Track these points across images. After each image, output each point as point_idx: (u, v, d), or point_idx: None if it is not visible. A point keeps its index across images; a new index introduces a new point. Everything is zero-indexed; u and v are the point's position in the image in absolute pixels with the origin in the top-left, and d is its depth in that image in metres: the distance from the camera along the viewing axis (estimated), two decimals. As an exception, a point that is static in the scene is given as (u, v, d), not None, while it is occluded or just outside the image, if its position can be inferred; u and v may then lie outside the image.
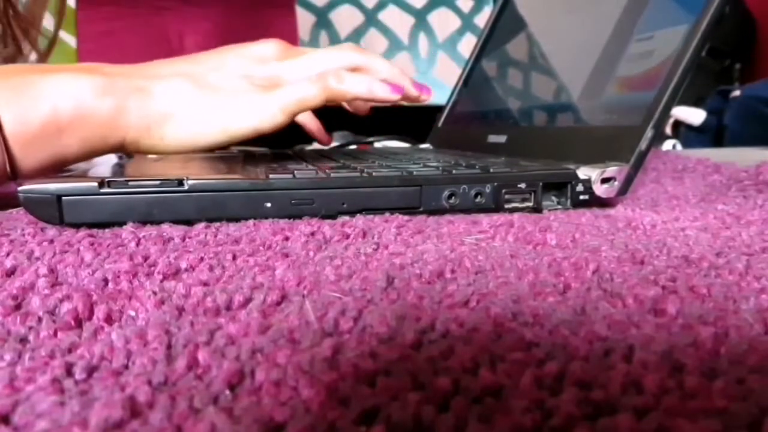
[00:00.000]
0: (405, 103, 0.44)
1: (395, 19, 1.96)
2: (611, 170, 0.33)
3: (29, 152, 0.31)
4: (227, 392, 0.13)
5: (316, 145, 0.73)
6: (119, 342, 0.16)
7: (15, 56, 0.50)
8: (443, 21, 1.97)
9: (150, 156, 0.56)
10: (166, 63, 0.38)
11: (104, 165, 0.44)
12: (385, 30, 1.94)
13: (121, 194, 0.29)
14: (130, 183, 0.29)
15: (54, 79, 0.32)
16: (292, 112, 0.37)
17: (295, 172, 0.32)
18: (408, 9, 1.96)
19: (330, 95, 0.38)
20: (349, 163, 0.39)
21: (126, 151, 0.36)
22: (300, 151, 0.64)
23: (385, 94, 0.40)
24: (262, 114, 0.36)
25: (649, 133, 0.33)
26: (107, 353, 0.15)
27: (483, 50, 0.65)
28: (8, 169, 0.31)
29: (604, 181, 0.33)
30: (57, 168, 0.33)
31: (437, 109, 0.71)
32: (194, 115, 0.35)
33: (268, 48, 0.41)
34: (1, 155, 0.30)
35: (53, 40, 0.56)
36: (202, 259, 0.23)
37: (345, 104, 0.53)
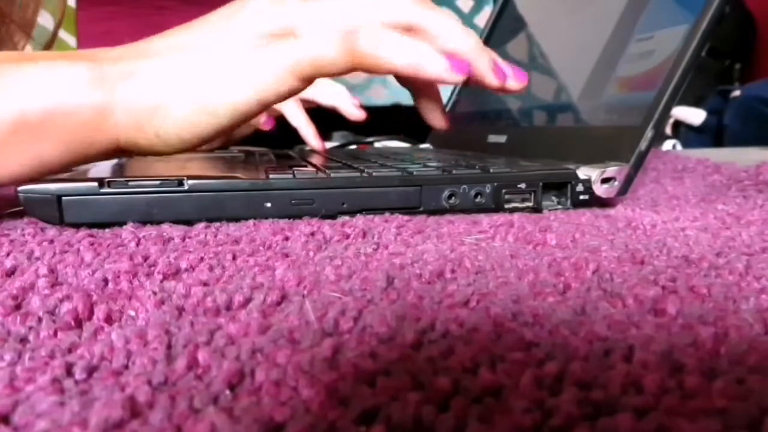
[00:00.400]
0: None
1: (395, 19, 1.96)
2: (611, 170, 0.33)
3: (2, 158, 0.26)
4: (227, 392, 0.13)
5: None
6: (119, 342, 0.16)
7: None
8: (443, 21, 1.97)
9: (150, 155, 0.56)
10: (168, 33, 0.30)
11: (104, 164, 0.44)
12: (385, 30, 1.94)
13: (121, 194, 0.29)
14: (130, 183, 0.29)
15: (25, 72, 0.26)
16: (306, 75, 0.28)
17: (295, 172, 0.32)
18: (408, 9, 1.96)
19: (358, 61, 0.28)
20: (349, 163, 0.39)
21: (126, 154, 0.30)
22: (300, 151, 0.64)
23: (440, 72, 0.28)
24: (266, 79, 0.28)
25: (649, 133, 0.33)
26: (107, 353, 0.15)
27: (483, 50, 0.65)
28: None
29: (604, 181, 0.33)
30: (41, 176, 0.28)
31: (437, 109, 0.70)
32: (189, 100, 0.28)
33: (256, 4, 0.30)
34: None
35: (52, 38, 0.54)
36: (202, 259, 0.23)
37: (340, 107, 0.52)
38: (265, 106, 0.29)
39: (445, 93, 0.69)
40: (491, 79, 0.31)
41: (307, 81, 0.29)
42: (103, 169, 0.37)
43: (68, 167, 0.29)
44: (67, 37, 1.55)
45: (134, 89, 0.27)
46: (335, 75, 0.29)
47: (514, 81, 0.32)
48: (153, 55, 0.28)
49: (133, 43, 0.30)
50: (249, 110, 0.29)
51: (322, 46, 0.28)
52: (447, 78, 0.29)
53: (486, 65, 0.31)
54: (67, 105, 0.27)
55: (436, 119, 0.36)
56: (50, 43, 0.54)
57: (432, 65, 0.28)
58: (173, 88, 0.28)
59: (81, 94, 0.27)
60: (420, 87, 0.34)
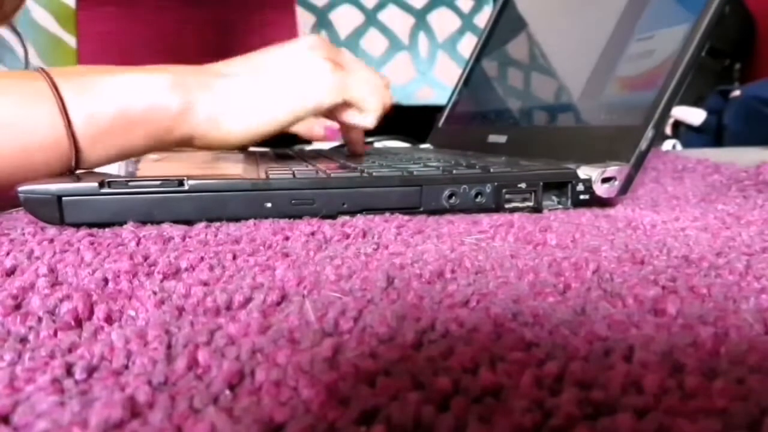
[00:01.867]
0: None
1: (395, 19, 1.96)
2: (611, 170, 0.33)
3: (97, 148, 0.32)
4: (227, 392, 0.13)
5: (316, 146, 0.73)
6: (119, 342, 0.16)
7: None
8: (443, 21, 1.96)
9: (150, 156, 0.56)
10: (229, 62, 0.38)
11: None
12: (385, 30, 1.94)
13: (122, 194, 0.29)
14: (131, 183, 0.29)
15: (124, 78, 0.33)
16: (350, 100, 0.39)
17: (296, 172, 0.32)
18: (408, 9, 1.96)
19: (384, 105, 0.41)
20: (350, 163, 0.39)
21: (193, 145, 0.36)
22: (300, 151, 0.64)
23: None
24: (326, 91, 0.37)
25: (649, 133, 0.33)
26: (107, 353, 0.15)
27: (483, 50, 0.65)
28: (74, 164, 0.32)
29: (605, 180, 0.33)
30: (120, 160, 0.35)
31: (437, 109, 0.71)
32: (259, 101, 0.36)
33: (313, 40, 0.41)
34: (69, 149, 0.31)
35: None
36: (202, 259, 0.23)
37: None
38: (316, 112, 0.38)
39: (446, 93, 0.69)
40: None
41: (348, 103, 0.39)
42: (102, 169, 0.37)
43: (145, 154, 0.36)
44: (67, 37, 1.55)
45: (215, 94, 0.35)
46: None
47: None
48: (226, 75, 0.36)
49: (200, 66, 0.37)
50: (305, 115, 0.37)
51: (371, 90, 0.40)
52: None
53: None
54: (160, 104, 0.33)
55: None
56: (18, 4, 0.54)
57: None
58: (249, 94, 0.36)
59: (168, 96, 0.33)
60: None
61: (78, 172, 0.33)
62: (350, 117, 0.41)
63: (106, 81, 0.32)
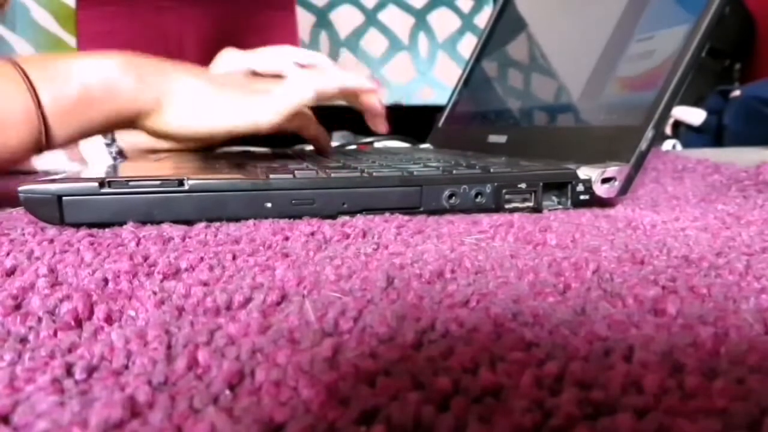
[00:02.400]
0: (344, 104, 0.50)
1: (395, 19, 1.96)
2: (612, 170, 0.33)
3: (62, 125, 0.35)
4: (227, 392, 0.13)
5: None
6: (119, 342, 0.16)
7: None
8: (443, 21, 1.96)
9: (151, 156, 0.56)
10: (183, 63, 0.41)
11: (104, 164, 0.44)
12: (385, 30, 1.94)
13: (122, 194, 0.29)
14: (131, 183, 0.29)
15: (83, 61, 0.36)
16: (288, 112, 0.40)
17: (296, 172, 0.32)
18: (408, 9, 1.96)
19: (321, 90, 0.42)
20: (350, 163, 0.39)
21: (135, 127, 0.39)
22: (300, 151, 0.64)
23: (361, 83, 0.46)
24: (263, 112, 0.40)
25: (649, 133, 0.33)
26: (107, 353, 0.15)
27: (483, 50, 0.65)
28: (44, 141, 0.35)
29: (605, 181, 0.33)
30: (84, 137, 0.38)
31: (437, 109, 0.71)
32: (202, 103, 0.38)
33: (266, 56, 0.48)
34: (39, 127, 0.34)
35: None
36: (202, 259, 0.23)
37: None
38: (255, 133, 0.40)
39: (446, 93, 0.69)
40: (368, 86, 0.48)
41: (288, 117, 0.40)
42: (102, 169, 0.37)
43: (101, 133, 0.39)
44: (67, 37, 1.55)
45: (166, 78, 0.38)
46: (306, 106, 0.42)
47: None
48: (181, 69, 0.39)
49: (162, 59, 0.40)
50: (243, 133, 0.40)
51: (297, 92, 0.41)
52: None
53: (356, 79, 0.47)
54: (116, 83, 0.36)
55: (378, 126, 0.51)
56: None
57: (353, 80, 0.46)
58: (194, 91, 0.38)
59: (124, 78, 0.36)
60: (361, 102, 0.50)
61: (76, 172, 0.34)
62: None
63: (68, 65, 0.36)
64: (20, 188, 0.28)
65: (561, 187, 0.33)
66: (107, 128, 0.38)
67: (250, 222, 0.29)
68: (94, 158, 0.61)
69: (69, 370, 0.14)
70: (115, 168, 0.39)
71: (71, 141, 0.37)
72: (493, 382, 0.13)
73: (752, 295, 0.18)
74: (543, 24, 0.55)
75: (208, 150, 0.62)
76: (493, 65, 0.62)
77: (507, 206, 0.33)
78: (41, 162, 0.57)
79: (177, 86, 0.38)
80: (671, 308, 0.17)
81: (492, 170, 0.33)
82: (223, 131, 0.39)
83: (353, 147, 0.75)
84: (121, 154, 0.61)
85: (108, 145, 0.61)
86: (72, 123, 0.36)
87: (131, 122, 0.38)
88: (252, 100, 0.40)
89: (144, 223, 0.29)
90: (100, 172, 0.34)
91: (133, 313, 0.18)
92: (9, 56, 0.35)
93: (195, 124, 0.38)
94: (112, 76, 0.36)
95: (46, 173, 0.54)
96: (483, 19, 1.94)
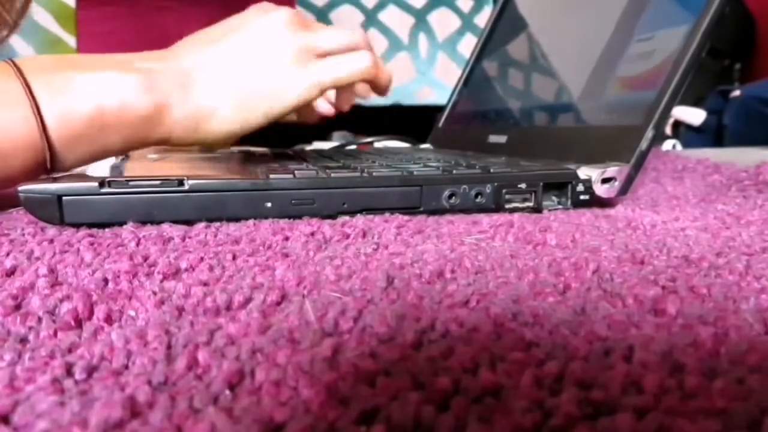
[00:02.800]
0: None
1: (395, 19, 1.96)
2: (612, 170, 0.33)
3: (72, 149, 0.32)
4: (227, 392, 0.13)
5: (316, 145, 0.73)
6: (119, 342, 0.16)
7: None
8: (443, 21, 1.96)
9: (150, 155, 0.56)
10: (199, 43, 0.37)
11: (104, 164, 0.44)
12: (385, 30, 1.94)
13: (122, 194, 0.29)
14: (131, 183, 0.29)
15: (97, 77, 0.32)
16: (328, 87, 0.38)
17: (296, 172, 0.32)
18: (408, 9, 1.96)
19: (364, 74, 0.40)
20: (350, 163, 0.39)
21: (171, 144, 0.36)
22: (300, 151, 0.64)
23: (387, 80, 0.43)
24: (303, 90, 0.37)
25: (649, 133, 0.33)
26: (107, 353, 0.15)
27: (483, 50, 0.65)
28: (48, 165, 0.32)
29: (605, 181, 0.33)
30: (97, 161, 0.35)
31: (437, 109, 0.71)
32: (238, 106, 0.36)
33: (285, 20, 0.39)
34: (44, 153, 0.31)
35: (23, 9, 0.54)
36: (202, 259, 0.23)
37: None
38: (296, 110, 0.38)
39: (446, 93, 0.69)
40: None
41: (327, 91, 0.38)
42: (103, 169, 0.37)
43: (122, 154, 0.36)
44: (67, 37, 1.55)
45: (193, 94, 0.35)
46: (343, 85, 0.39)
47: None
48: (203, 69, 0.35)
49: (172, 52, 0.36)
50: (283, 115, 0.37)
51: (343, 67, 0.38)
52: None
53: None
54: (133, 105, 0.33)
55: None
56: (22, 12, 0.53)
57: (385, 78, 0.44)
58: (223, 99, 0.35)
59: (141, 97, 0.33)
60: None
61: (75, 171, 0.34)
62: (343, 100, 0.43)
63: (79, 80, 0.32)
64: (20, 188, 0.28)
65: (561, 187, 0.33)
66: (132, 148, 0.35)
67: (250, 222, 0.29)
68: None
69: (69, 370, 0.14)
70: (117, 167, 0.39)
71: (85, 163, 0.34)
72: (493, 382, 0.13)
73: (752, 295, 0.18)
74: (543, 24, 0.55)
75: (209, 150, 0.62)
76: (493, 65, 0.62)
77: (507, 206, 0.33)
78: None
79: (208, 96, 0.35)
80: (671, 308, 0.17)
81: (492, 170, 0.33)
82: (265, 122, 0.37)
83: (353, 147, 0.75)
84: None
85: None
86: (83, 146, 0.32)
87: (164, 141, 0.35)
88: (290, 78, 0.37)
89: (144, 223, 0.29)
90: (101, 171, 0.34)
91: (133, 313, 0.18)
92: (11, 59, 0.32)
93: (237, 128, 0.36)
94: (128, 95, 0.32)
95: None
96: (483, 19, 1.94)
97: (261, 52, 0.36)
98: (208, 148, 0.38)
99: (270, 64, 0.36)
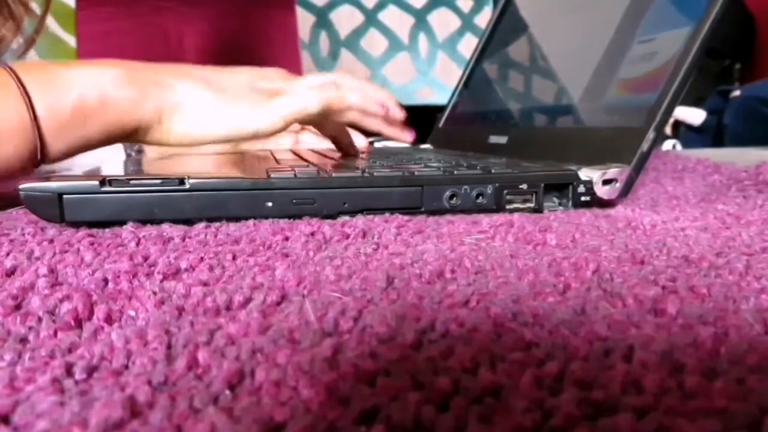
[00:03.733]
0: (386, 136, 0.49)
1: (395, 19, 1.96)
2: (613, 171, 0.33)
3: (59, 138, 0.34)
4: (227, 392, 0.13)
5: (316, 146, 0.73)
6: (119, 342, 0.16)
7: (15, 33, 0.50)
8: (443, 21, 1.97)
9: (151, 155, 0.55)
10: (184, 66, 0.40)
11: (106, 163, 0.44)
12: (385, 30, 1.94)
13: (123, 193, 0.29)
14: (132, 182, 0.29)
15: (80, 71, 0.35)
16: (290, 119, 0.40)
17: (297, 171, 0.32)
18: (408, 9, 1.96)
19: (327, 103, 0.41)
20: (351, 163, 0.39)
21: (137, 140, 0.38)
22: (301, 151, 0.64)
23: (375, 107, 0.45)
24: (264, 119, 0.39)
25: (650, 134, 0.33)
26: (107, 353, 0.15)
27: (484, 51, 0.65)
28: (39, 155, 0.34)
29: (606, 182, 0.33)
30: (82, 152, 0.37)
31: (438, 110, 0.71)
32: (203, 111, 0.38)
33: (273, 71, 0.45)
34: (35, 141, 0.33)
35: (39, 27, 0.56)
36: (202, 259, 0.23)
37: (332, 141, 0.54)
38: (258, 137, 0.40)
39: (446, 93, 0.69)
40: (399, 118, 0.47)
41: (291, 123, 0.40)
42: (103, 168, 0.37)
43: (101, 146, 0.37)
44: (66, 37, 1.55)
45: (165, 91, 0.37)
46: (309, 116, 0.41)
47: (408, 135, 0.51)
48: (179, 75, 0.38)
49: (156, 64, 0.39)
50: (246, 137, 0.39)
51: (304, 98, 0.40)
52: (379, 111, 0.45)
53: (395, 107, 0.46)
54: (112, 96, 0.35)
55: (402, 137, 0.50)
56: (37, 30, 0.55)
57: (371, 103, 0.44)
58: (196, 99, 0.38)
59: (120, 90, 0.36)
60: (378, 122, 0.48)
61: (76, 172, 0.34)
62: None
63: (64, 74, 0.35)
64: (21, 186, 0.28)
65: (562, 188, 0.33)
66: (108, 141, 0.37)
67: (250, 222, 0.29)
68: (109, 151, 0.60)
69: (69, 370, 0.14)
70: (125, 165, 0.39)
71: (69, 155, 0.36)
72: (493, 382, 0.13)
73: (752, 295, 0.18)
74: (544, 25, 0.55)
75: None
76: (494, 66, 0.62)
77: (508, 207, 0.33)
78: None
79: (177, 97, 0.37)
80: (671, 308, 0.17)
81: (493, 171, 0.33)
82: (223, 138, 0.39)
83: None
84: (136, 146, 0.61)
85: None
86: (69, 136, 0.35)
87: (133, 135, 0.38)
88: (253, 106, 0.39)
89: (144, 222, 0.29)
90: (102, 171, 0.34)
91: (133, 313, 0.18)
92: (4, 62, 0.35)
93: (196, 133, 0.38)
94: (108, 87, 0.35)
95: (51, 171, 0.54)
96: (483, 19, 1.94)
97: (238, 83, 0.40)
98: (166, 146, 0.39)
99: (243, 93, 0.40)
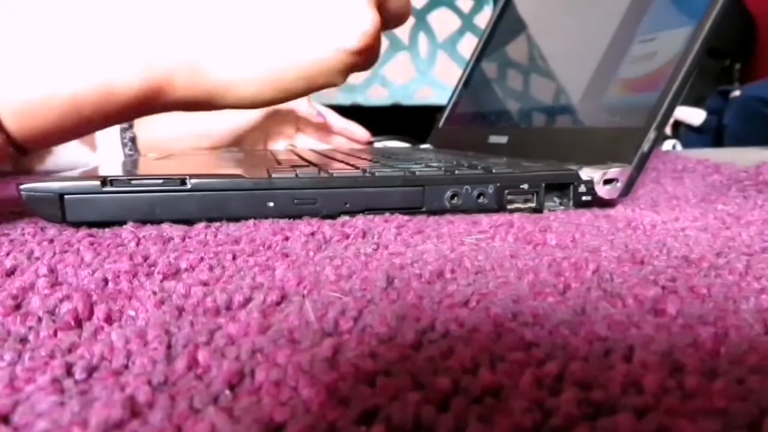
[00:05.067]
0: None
1: (395, 19, 1.96)
2: (613, 171, 0.33)
3: (37, 138, 0.26)
4: (227, 392, 0.13)
5: (316, 146, 0.73)
6: (119, 342, 0.16)
7: None
8: (443, 21, 1.96)
9: (151, 154, 0.56)
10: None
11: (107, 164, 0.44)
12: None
13: (124, 193, 0.29)
14: (133, 182, 0.29)
15: (74, 51, 0.25)
16: (347, 72, 0.29)
17: (298, 171, 0.32)
18: (408, 9, 1.96)
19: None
20: (352, 163, 0.39)
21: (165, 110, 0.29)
22: (302, 150, 0.64)
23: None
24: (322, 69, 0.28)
25: (651, 134, 0.33)
26: (107, 353, 0.15)
27: (484, 51, 0.65)
28: (9, 149, 0.26)
29: (607, 182, 0.33)
30: (73, 140, 0.29)
31: (437, 109, 0.71)
32: (264, 77, 0.27)
33: None
34: (2, 144, 0.25)
35: None
36: (202, 259, 0.23)
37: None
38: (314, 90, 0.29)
39: (446, 93, 0.69)
40: None
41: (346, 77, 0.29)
42: (103, 168, 0.37)
43: (113, 125, 0.29)
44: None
45: (198, 77, 0.27)
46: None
47: None
48: (220, 36, 0.27)
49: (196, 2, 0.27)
50: (320, 89, 0.29)
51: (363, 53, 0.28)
52: None
53: None
54: (120, 89, 0.26)
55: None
56: None
57: None
58: (244, 72, 0.27)
59: (136, 75, 0.26)
60: None
61: (78, 171, 0.33)
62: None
63: (53, 58, 0.25)
64: (22, 187, 0.28)
65: (563, 188, 0.33)
66: (113, 124, 0.29)
67: (250, 222, 0.29)
68: (106, 143, 0.60)
69: (69, 370, 0.14)
70: (125, 165, 0.39)
71: (64, 142, 0.29)
72: (493, 382, 0.13)
73: (752, 295, 0.18)
74: (544, 25, 0.55)
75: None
76: (494, 66, 0.62)
77: (509, 207, 0.33)
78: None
79: (222, 75, 0.27)
80: (671, 308, 0.17)
81: (494, 171, 0.33)
82: (299, 92, 0.29)
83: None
84: (133, 141, 0.60)
85: (124, 130, 0.60)
86: (52, 134, 0.26)
87: (156, 110, 0.28)
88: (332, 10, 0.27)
89: (145, 222, 0.29)
90: (103, 170, 0.34)
91: (133, 313, 0.18)
92: None
93: (262, 98, 0.28)
94: (117, 76, 0.25)
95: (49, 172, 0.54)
96: (483, 19, 1.94)
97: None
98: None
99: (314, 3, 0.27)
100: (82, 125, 0.26)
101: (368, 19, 0.27)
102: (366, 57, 0.28)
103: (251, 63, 0.27)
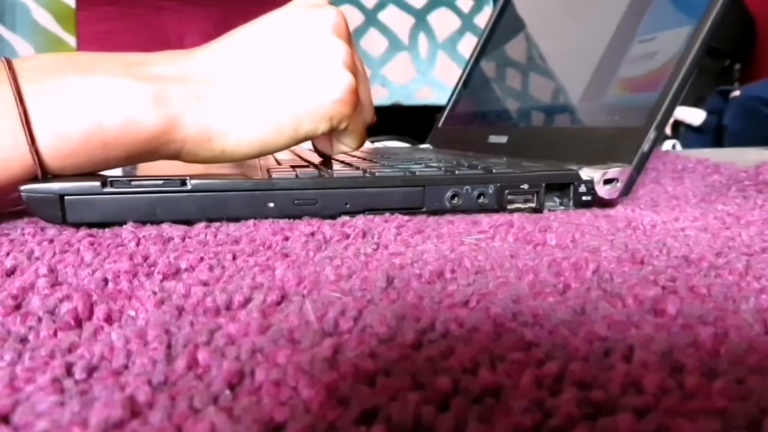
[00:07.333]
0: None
1: (395, 19, 1.96)
2: (614, 171, 0.33)
3: (68, 164, 0.28)
4: (227, 392, 0.13)
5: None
6: (119, 342, 0.16)
7: None
8: (443, 21, 1.97)
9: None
10: (226, 43, 0.33)
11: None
12: (385, 30, 1.94)
13: (124, 194, 0.29)
14: (133, 183, 0.29)
15: (100, 86, 0.28)
16: (336, 124, 0.34)
17: (298, 172, 0.32)
18: (408, 9, 1.96)
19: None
20: (352, 163, 0.39)
21: (181, 160, 0.32)
22: (302, 151, 0.64)
23: None
24: (339, 107, 0.33)
25: (651, 134, 0.33)
26: (107, 353, 0.15)
27: (483, 51, 0.65)
28: (40, 177, 0.28)
29: (607, 182, 0.33)
30: (98, 172, 0.31)
31: (437, 109, 0.71)
32: (259, 121, 0.31)
33: (330, 25, 0.35)
34: (33, 168, 0.28)
35: None
36: (202, 259, 0.23)
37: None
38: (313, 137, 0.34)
39: (446, 93, 0.69)
40: None
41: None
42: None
43: (126, 166, 0.33)
44: (67, 37, 1.55)
45: (205, 112, 0.30)
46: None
47: None
48: (220, 82, 0.31)
49: (187, 56, 0.32)
50: (308, 137, 0.33)
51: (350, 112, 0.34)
52: None
53: None
54: (140, 121, 0.29)
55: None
56: None
57: None
58: (242, 115, 0.31)
59: (148, 111, 0.29)
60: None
61: None
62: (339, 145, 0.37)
63: (78, 89, 0.28)
64: (22, 187, 0.28)
65: (563, 187, 0.33)
66: (135, 163, 0.32)
67: (250, 222, 0.29)
68: None
69: (69, 370, 0.14)
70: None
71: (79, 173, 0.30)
72: (493, 382, 0.13)
73: (752, 295, 0.18)
74: (544, 24, 0.55)
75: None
76: (494, 66, 0.62)
77: (509, 207, 0.33)
78: None
79: (226, 115, 0.31)
80: (671, 308, 0.17)
81: (494, 171, 0.33)
82: (292, 141, 0.33)
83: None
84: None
85: None
86: (79, 163, 0.29)
87: (173, 158, 0.32)
88: (324, 79, 0.32)
89: (146, 222, 0.29)
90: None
91: (133, 313, 0.18)
92: (6, 58, 0.28)
93: (257, 147, 0.32)
94: (133, 112, 0.28)
95: None
96: (483, 19, 1.94)
97: (297, 55, 0.32)
98: (220, 162, 0.33)
99: (307, 66, 0.32)
100: (103, 155, 0.29)
101: (347, 77, 0.33)
102: (349, 105, 0.33)
103: (248, 111, 0.31)
